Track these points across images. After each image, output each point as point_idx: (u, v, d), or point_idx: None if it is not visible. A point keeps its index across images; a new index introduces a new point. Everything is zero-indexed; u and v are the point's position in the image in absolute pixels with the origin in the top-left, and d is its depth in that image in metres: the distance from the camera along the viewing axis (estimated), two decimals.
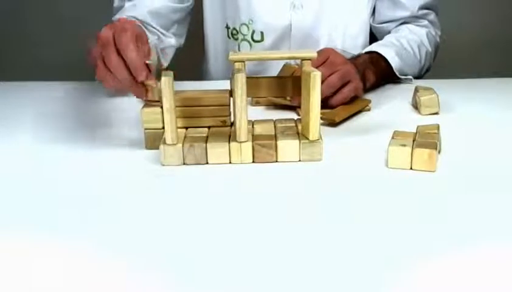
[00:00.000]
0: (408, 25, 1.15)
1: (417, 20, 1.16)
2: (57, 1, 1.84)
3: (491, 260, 0.53)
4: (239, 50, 1.15)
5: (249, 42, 1.14)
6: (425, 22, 1.16)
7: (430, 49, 1.14)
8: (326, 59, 0.90)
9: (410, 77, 1.08)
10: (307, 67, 0.74)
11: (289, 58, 0.81)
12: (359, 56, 1.02)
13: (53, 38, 1.87)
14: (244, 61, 0.76)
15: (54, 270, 0.52)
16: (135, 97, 0.76)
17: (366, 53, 1.04)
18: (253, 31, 1.13)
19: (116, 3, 1.12)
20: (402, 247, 0.55)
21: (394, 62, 1.04)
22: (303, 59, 0.76)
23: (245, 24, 1.13)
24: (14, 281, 0.51)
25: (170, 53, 1.11)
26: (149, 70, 0.72)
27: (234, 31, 1.15)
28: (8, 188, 0.70)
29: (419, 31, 1.14)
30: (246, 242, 0.57)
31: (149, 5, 1.07)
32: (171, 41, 1.10)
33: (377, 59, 1.03)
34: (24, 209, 0.64)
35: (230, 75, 0.76)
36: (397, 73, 1.05)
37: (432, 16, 1.17)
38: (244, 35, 1.14)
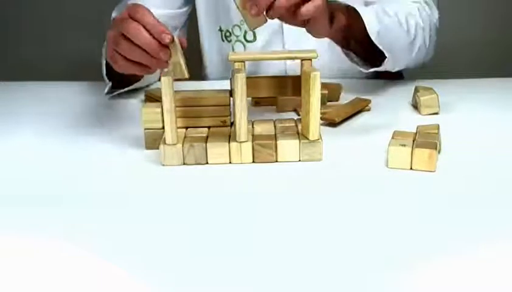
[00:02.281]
0: (396, 2, 1.03)
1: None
2: (60, 2, 1.84)
3: (491, 260, 0.53)
4: (233, 51, 1.15)
5: (242, 42, 1.13)
6: None
7: (422, 23, 1.01)
8: None
9: (388, 55, 0.93)
10: (308, 67, 0.74)
11: (289, 58, 0.81)
12: (333, 1, 0.89)
13: (53, 38, 1.87)
14: (244, 61, 0.76)
15: (53, 269, 0.52)
16: (154, 70, 0.76)
17: (344, 4, 0.92)
18: (246, 32, 1.12)
19: (113, 15, 1.12)
20: (402, 247, 0.55)
21: (370, 24, 0.90)
22: (302, 59, 0.76)
23: (237, 25, 1.12)
24: (13, 280, 0.51)
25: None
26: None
27: (227, 34, 1.14)
28: (7, 188, 0.70)
29: (409, 4, 1.04)
30: (246, 242, 0.57)
31: None
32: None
33: (355, 14, 0.91)
34: (22, 208, 0.64)
35: (230, 75, 0.76)
36: (372, 37, 0.90)
37: None
38: (237, 36, 1.13)
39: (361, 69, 0.97)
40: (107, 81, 0.97)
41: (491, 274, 0.51)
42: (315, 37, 0.85)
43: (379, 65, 0.95)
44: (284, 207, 0.64)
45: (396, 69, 1.00)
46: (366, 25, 0.90)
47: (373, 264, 0.52)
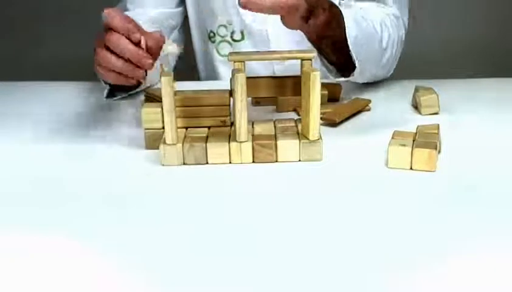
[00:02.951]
0: (371, 7, 1.03)
1: (379, 5, 1.05)
2: (60, 2, 1.84)
3: (491, 260, 0.53)
4: (217, 52, 1.15)
5: (229, 42, 1.13)
6: (388, 11, 1.05)
7: (392, 35, 1.00)
8: None
9: (357, 65, 0.90)
10: (308, 67, 0.74)
11: (289, 58, 0.81)
12: None
13: (53, 38, 1.87)
14: (244, 61, 0.76)
15: (52, 269, 0.53)
16: (133, 80, 0.78)
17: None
18: (233, 31, 1.12)
19: None
20: (402, 247, 0.55)
21: (349, 26, 0.88)
22: (302, 59, 0.76)
23: (223, 25, 1.12)
24: (13, 280, 0.51)
25: (172, 61, 1.11)
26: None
27: (211, 34, 1.14)
28: (7, 188, 0.70)
29: (382, 14, 1.02)
30: (246, 242, 0.57)
31: (146, 14, 1.07)
32: (172, 49, 1.10)
33: (337, 12, 0.88)
34: (22, 208, 0.64)
35: (230, 75, 0.76)
36: (349, 40, 0.87)
37: (395, 10, 1.05)
38: (222, 37, 1.13)
39: (330, 75, 0.94)
40: (103, 84, 0.97)
41: (491, 274, 0.51)
42: (288, 28, 0.81)
43: (348, 75, 0.93)
44: (284, 207, 0.64)
45: (363, 81, 0.99)
46: (346, 27, 0.87)
47: (373, 264, 0.52)
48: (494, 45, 1.80)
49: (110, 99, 1.00)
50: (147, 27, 1.07)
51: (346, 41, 0.88)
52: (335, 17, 0.87)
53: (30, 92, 1.08)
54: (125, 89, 0.98)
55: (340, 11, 0.88)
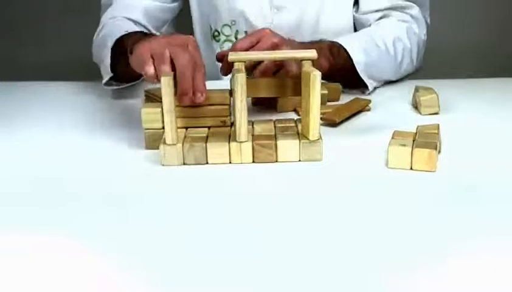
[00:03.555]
0: (387, 19, 1.09)
1: (398, 14, 1.09)
2: (60, 2, 1.84)
3: (491, 260, 0.53)
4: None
5: (232, 42, 1.13)
6: (407, 17, 1.09)
7: (409, 45, 1.06)
8: (256, 42, 0.85)
9: (372, 86, 1.00)
10: (308, 67, 0.74)
11: (289, 58, 0.81)
12: (318, 42, 0.97)
13: (53, 38, 1.87)
14: (244, 61, 0.76)
15: (52, 269, 0.52)
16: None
17: (330, 42, 0.98)
18: (237, 31, 1.12)
19: (103, 0, 1.13)
20: (402, 247, 0.55)
21: (356, 55, 0.97)
22: (302, 59, 0.76)
23: (227, 25, 1.12)
24: (13, 280, 0.51)
25: None
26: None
27: (216, 33, 1.14)
28: (7, 188, 0.70)
29: (398, 26, 1.07)
30: (246, 242, 0.57)
31: (141, 5, 1.08)
32: None
33: (338, 49, 0.97)
34: (22, 208, 0.64)
35: (231, 76, 0.76)
36: (358, 68, 0.97)
37: (416, 11, 1.10)
38: (226, 36, 1.13)
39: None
40: (109, 70, 0.95)
41: (491, 274, 0.51)
42: None
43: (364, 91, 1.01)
44: (284, 207, 0.64)
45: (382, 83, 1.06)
46: (354, 62, 0.96)
47: (373, 264, 0.52)
48: (493, 48, 1.80)
49: (108, 87, 0.99)
50: (139, 18, 1.08)
51: (355, 70, 0.96)
52: (340, 54, 0.96)
53: (30, 92, 1.08)
54: (126, 80, 0.98)
55: (342, 46, 0.96)
